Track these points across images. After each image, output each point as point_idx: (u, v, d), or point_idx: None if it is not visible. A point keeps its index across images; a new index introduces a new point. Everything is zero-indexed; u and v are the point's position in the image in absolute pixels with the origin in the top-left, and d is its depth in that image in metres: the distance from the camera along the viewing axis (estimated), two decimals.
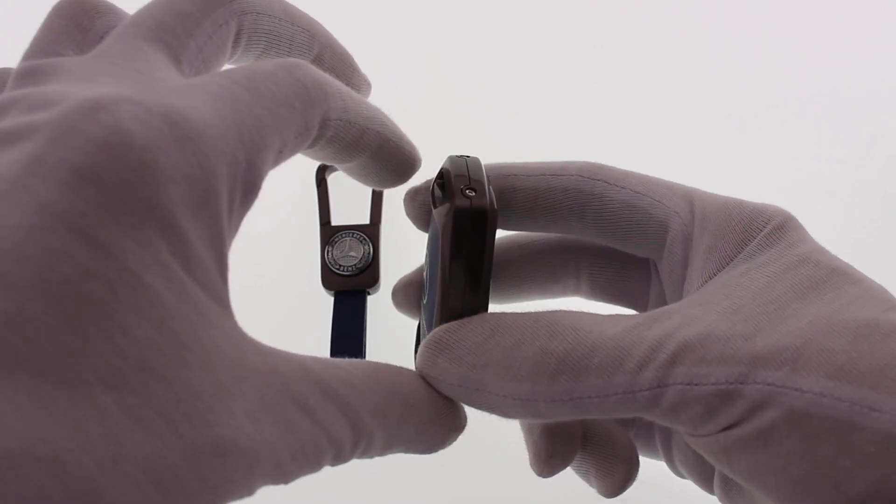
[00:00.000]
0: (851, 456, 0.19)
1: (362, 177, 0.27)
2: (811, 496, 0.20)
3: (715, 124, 0.52)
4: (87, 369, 0.16)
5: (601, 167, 0.28)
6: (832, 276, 0.23)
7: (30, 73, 0.20)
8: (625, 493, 0.28)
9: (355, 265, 0.40)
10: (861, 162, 0.47)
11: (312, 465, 0.21)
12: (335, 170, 0.43)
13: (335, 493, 0.38)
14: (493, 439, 0.38)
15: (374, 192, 0.42)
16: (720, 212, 0.26)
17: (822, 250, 0.24)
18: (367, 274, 0.40)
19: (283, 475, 0.20)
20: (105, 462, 0.15)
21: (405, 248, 0.38)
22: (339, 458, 0.21)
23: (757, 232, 0.25)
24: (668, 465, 0.29)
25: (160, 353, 0.17)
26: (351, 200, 0.42)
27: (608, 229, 0.27)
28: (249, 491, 0.19)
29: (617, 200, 0.27)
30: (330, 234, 0.41)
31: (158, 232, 0.17)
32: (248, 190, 0.21)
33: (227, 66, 0.24)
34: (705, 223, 0.26)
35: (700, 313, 0.23)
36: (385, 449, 0.23)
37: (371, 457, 0.23)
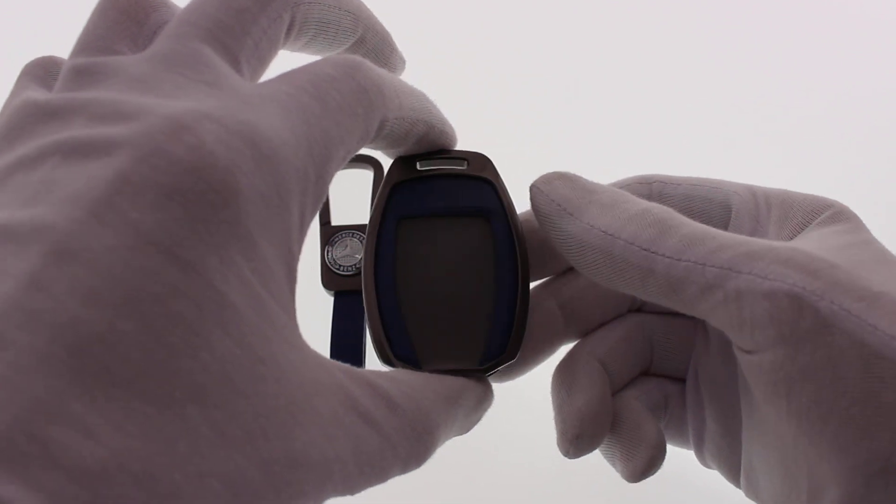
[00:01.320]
0: None
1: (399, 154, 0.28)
2: (869, 446, 0.19)
3: (726, 123, 0.52)
4: (176, 386, 0.16)
5: (653, 174, 0.29)
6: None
7: (87, 71, 0.20)
8: (649, 483, 0.28)
9: (355, 265, 0.40)
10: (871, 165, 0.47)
11: (379, 477, 0.21)
12: None
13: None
14: (502, 446, 0.38)
15: (373, 191, 0.42)
16: (782, 194, 0.26)
17: (879, 242, 0.24)
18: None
19: (350, 488, 0.20)
20: (192, 477, 0.16)
21: None
22: (405, 470, 0.22)
23: (823, 209, 0.25)
24: (696, 455, 0.29)
25: (241, 369, 0.17)
26: (351, 200, 0.42)
27: None
28: (318, 503, 0.19)
29: (676, 196, 0.28)
30: (330, 234, 0.41)
31: (240, 250, 0.18)
32: (316, 202, 0.21)
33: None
34: (769, 200, 0.26)
35: (790, 243, 0.23)
36: (439, 445, 0.24)
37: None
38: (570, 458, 0.28)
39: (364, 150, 0.26)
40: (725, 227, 0.27)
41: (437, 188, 0.28)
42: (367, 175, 0.42)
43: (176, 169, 0.17)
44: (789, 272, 0.21)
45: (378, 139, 0.25)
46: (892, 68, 0.54)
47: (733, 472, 0.27)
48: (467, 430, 0.26)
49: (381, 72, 0.23)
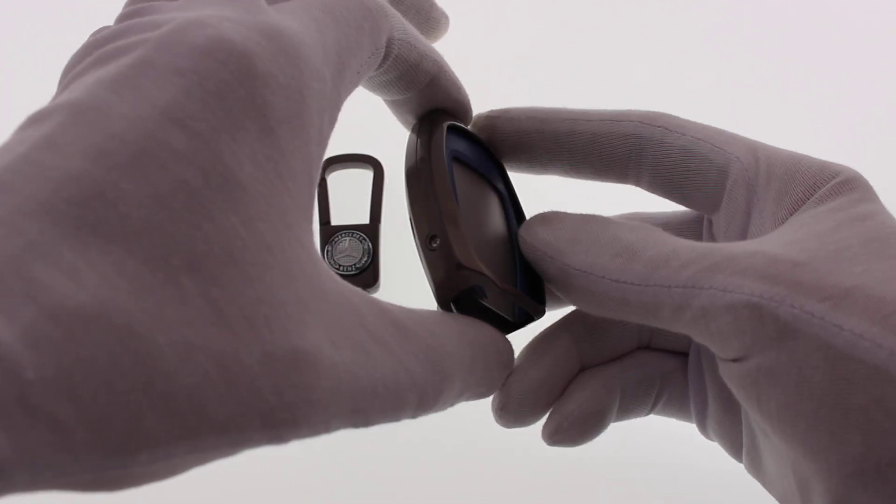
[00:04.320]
0: (885, 410, 0.18)
1: (410, 114, 0.27)
2: (840, 450, 0.19)
3: (729, 117, 0.52)
4: (173, 251, 0.16)
5: (662, 115, 0.28)
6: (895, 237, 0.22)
7: (133, 13, 0.21)
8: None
9: (355, 265, 0.40)
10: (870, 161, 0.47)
11: (394, 405, 0.20)
12: (335, 169, 0.43)
13: (335, 495, 0.38)
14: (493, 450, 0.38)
15: (373, 191, 0.42)
16: (788, 160, 0.25)
17: (888, 213, 0.23)
18: (367, 274, 0.40)
19: (363, 414, 0.19)
20: (179, 345, 0.15)
21: (405, 248, 0.38)
22: (422, 403, 0.21)
23: (828, 180, 0.24)
24: (699, 429, 0.29)
25: (245, 250, 0.17)
26: (350, 200, 0.42)
27: (666, 177, 0.28)
28: (327, 424, 0.18)
29: (676, 147, 0.27)
30: (329, 233, 0.41)
31: (254, 132, 0.18)
32: (333, 108, 0.21)
33: None
34: (772, 170, 0.25)
35: (758, 243, 0.22)
36: (459, 396, 0.23)
37: (445, 407, 0.22)
38: (502, 425, 0.28)
39: (382, 85, 0.26)
40: (721, 193, 0.27)
41: (477, 151, 0.28)
42: (367, 175, 0.43)
43: (194, 52, 0.18)
44: (747, 282, 0.21)
45: (390, 62, 0.25)
46: (893, 69, 0.54)
47: (735, 448, 0.27)
48: (487, 390, 0.25)
49: (385, 1, 0.24)
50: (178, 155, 0.17)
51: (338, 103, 0.22)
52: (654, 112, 0.28)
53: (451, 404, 0.23)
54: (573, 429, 0.27)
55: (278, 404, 0.17)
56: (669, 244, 0.23)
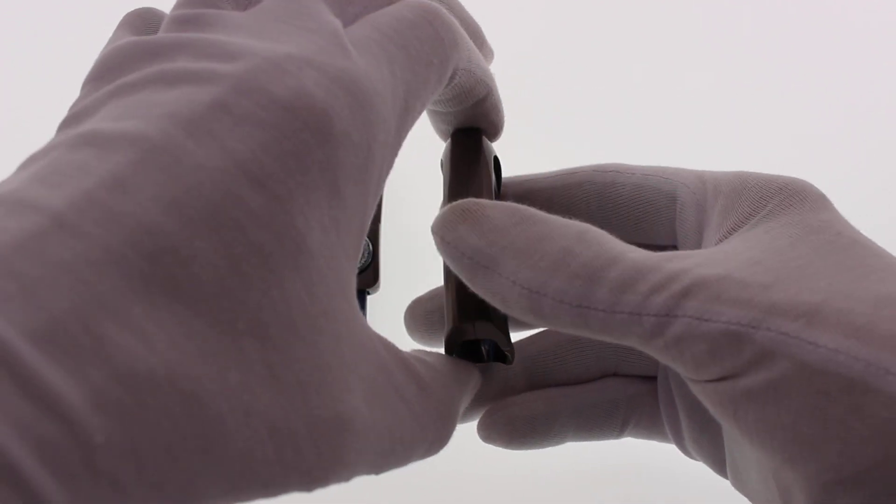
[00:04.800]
0: (863, 419, 0.18)
1: (446, 124, 0.27)
2: (818, 459, 0.19)
3: (728, 123, 0.52)
4: (240, 316, 0.16)
5: (615, 163, 0.29)
6: (854, 245, 0.22)
7: (191, 20, 0.20)
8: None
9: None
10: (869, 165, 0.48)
11: (406, 457, 0.21)
12: None
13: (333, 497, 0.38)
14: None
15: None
16: (734, 178, 0.25)
17: (844, 221, 0.23)
18: (367, 274, 0.40)
19: (380, 466, 0.20)
20: (238, 411, 0.16)
21: (405, 248, 0.38)
22: (430, 452, 0.22)
23: (775, 194, 0.24)
24: (680, 449, 0.29)
25: (305, 317, 0.17)
26: None
27: (622, 215, 0.28)
28: (350, 475, 0.19)
29: (628, 185, 0.28)
30: None
31: (326, 195, 0.18)
32: (393, 155, 0.21)
33: None
34: (718, 188, 0.25)
35: (721, 258, 0.22)
36: None
37: None
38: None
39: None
40: (672, 219, 0.27)
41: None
42: None
43: (275, 106, 0.17)
44: (723, 309, 0.20)
45: (447, 89, 0.24)
46: (893, 69, 0.55)
47: (718, 464, 0.27)
48: (465, 418, 0.26)
49: (454, 20, 0.23)
50: (253, 216, 0.16)
51: (397, 149, 0.21)
52: (602, 164, 0.29)
53: None
54: (499, 426, 0.28)
55: (316, 465, 0.17)
56: (629, 260, 0.22)
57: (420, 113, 0.23)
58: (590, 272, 0.22)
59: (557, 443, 0.29)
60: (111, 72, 0.19)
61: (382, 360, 0.20)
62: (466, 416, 0.28)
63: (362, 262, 0.40)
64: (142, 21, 0.22)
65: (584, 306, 0.22)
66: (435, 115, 0.28)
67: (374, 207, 0.21)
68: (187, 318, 0.15)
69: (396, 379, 0.20)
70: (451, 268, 0.24)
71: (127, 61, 0.19)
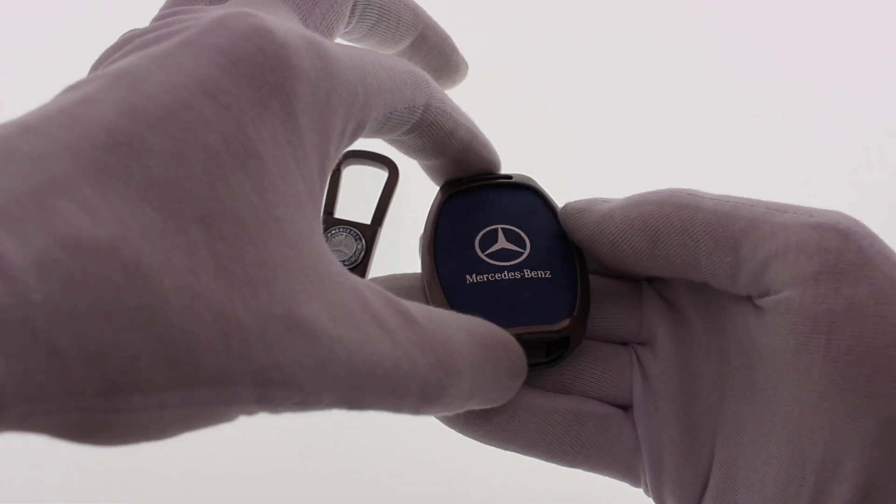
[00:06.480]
0: None
1: (442, 177, 0.29)
2: None
3: (736, 130, 0.52)
4: (187, 206, 0.17)
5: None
6: None
7: (174, 13, 0.22)
8: None
9: (344, 262, 0.40)
10: (868, 169, 0.48)
11: (392, 391, 0.20)
12: (352, 163, 0.43)
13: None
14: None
15: (382, 194, 0.41)
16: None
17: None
18: (356, 271, 0.39)
19: (357, 393, 0.19)
20: (182, 291, 0.16)
21: (405, 251, 0.38)
22: (425, 396, 0.20)
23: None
24: (654, 497, 0.27)
25: (254, 216, 0.18)
26: (359, 197, 0.42)
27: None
28: (318, 395, 0.18)
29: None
30: (329, 224, 0.40)
31: (278, 115, 0.19)
32: (358, 125, 0.22)
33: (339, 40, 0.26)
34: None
35: None
36: (468, 398, 0.22)
37: (454, 409, 0.22)
38: None
39: (411, 151, 0.27)
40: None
41: (487, 196, 0.30)
42: (382, 176, 0.42)
43: (234, 36, 0.19)
44: (832, 213, 0.22)
45: (424, 128, 0.26)
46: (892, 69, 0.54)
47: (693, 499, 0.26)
48: (499, 396, 0.25)
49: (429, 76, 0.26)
50: (204, 121, 0.18)
51: (364, 122, 0.22)
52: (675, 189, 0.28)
53: (462, 406, 0.22)
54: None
55: (269, 364, 0.17)
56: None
57: (391, 119, 0.24)
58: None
59: (515, 443, 0.27)
60: (100, 63, 0.21)
61: (355, 287, 0.20)
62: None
63: (352, 260, 0.39)
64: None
65: (696, 195, 0.25)
66: (428, 170, 0.30)
67: (334, 162, 0.22)
68: (136, 202, 0.16)
69: (373, 306, 0.20)
70: (569, 216, 0.28)
71: (114, 48, 0.21)
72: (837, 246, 0.21)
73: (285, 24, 0.20)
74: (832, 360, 0.21)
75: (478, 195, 0.30)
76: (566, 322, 0.27)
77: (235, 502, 0.43)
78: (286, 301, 0.18)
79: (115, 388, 0.15)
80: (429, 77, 0.26)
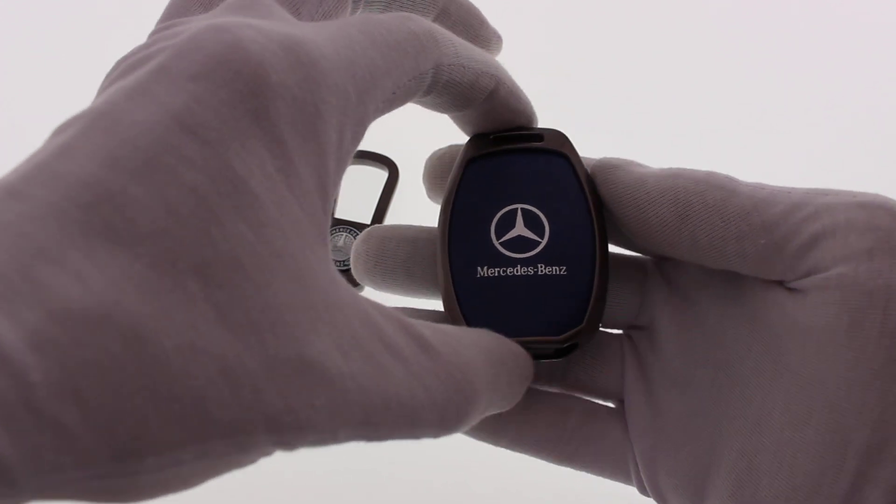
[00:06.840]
0: None
1: (471, 127, 0.28)
2: None
3: (741, 119, 0.52)
4: (180, 256, 0.16)
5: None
6: None
7: (167, 27, 0.21)
8: None
9: (344, 262, 0.40)
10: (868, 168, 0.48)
11: (409, 422, 0.19)
12: (352, 164, 0.43)
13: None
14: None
15: (382, 193, 0.41)
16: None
17: None
18: (351, 273, 0.39)
19: (373, 427, 0.19)
20: (184, 349, 0.15)
21: None
22: (444, 423, 0.20)
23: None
24: (650, 489, 0.27)
25: (253, 256, 0.17)
26: (359, 197, 0.42)
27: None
28: (334, 434, 0.18)
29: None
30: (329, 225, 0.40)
31: (264, 143, 0.18)
32: (357, 125, 0.21)
33: None
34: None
35: None
36: (483, 413, 0.22)
37: (470, 425, 0.22)
38: None
39: (432, 112, 0.25)
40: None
41: (512, 164, 0.29)
42: (382, 176, 0.42)
43: (209, 60, 0.18)
44: (874, 195, 0.22)
45: (441, 87, 0.24)
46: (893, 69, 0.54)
47: (698, 490, 0.26)
48: (507, 404, 0.24)
49: (439, 27, 0.24)
50: (187, 161, 0.17)
51: (363, 121, 0.21)
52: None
53: (477, 419, 0.22)
54: None
55: (281, 408, 0.17)
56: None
57: (397, 96, 0.23)
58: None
59: (506, 437, 0.27)
60: (99, 93, 0.21)
61: (366, 314, 0.19)
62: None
63: (347, 259, 0.39)
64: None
65: (734, 180, 0.24)
66: (455, 119, 0.28)
67: (338, 174, 0.21)
68: (126, 261, 0.15)
69: (386, 334, 0.19)
70: (603, 172, 0.26)
71: (113, 68, 0.21)
72: (889, 223, 0.22)
73: (264, 33, 0.19)
74: (889, 336, 0.21)
75: (502, 161, 0.28)
76: (574, 332, 0.26)
77: (235, 502, 0.43)
78: (294, 343, 0.17)
79: (128, 453, 0.14)
80: (437, 31, 0.24)
